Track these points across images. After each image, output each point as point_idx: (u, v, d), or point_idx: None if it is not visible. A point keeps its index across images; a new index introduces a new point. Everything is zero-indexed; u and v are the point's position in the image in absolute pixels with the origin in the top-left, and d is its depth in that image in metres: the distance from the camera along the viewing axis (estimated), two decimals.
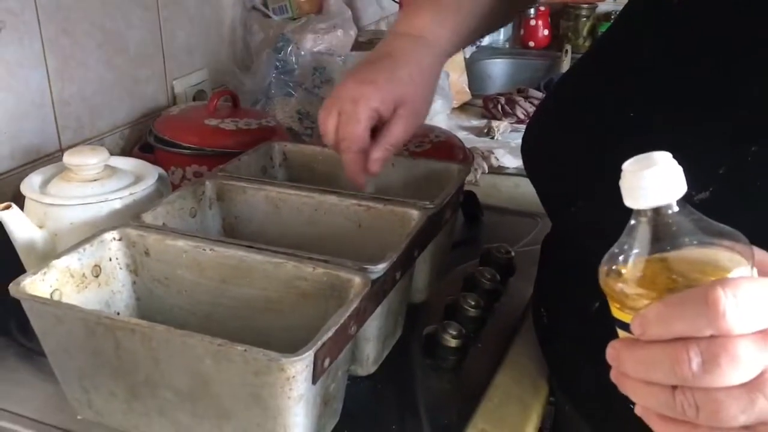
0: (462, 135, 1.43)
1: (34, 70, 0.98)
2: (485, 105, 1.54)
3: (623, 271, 0.38)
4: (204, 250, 0.65)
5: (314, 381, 0.52)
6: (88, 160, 0.78)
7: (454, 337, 0.73)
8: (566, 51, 1.85)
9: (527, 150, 0.70)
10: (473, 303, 0.78)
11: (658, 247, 0.37)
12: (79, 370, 0.59)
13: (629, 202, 0.37)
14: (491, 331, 0.80)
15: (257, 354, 0.50)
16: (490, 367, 0.75)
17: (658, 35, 0.60)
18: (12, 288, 0.58)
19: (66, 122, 1.04)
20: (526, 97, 1.52)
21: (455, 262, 0.92)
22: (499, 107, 1.50)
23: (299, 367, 0.50)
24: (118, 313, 0.68)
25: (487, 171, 1.21)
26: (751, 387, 0.35)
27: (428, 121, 1.21)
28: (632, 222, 0.38)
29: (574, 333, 0.62)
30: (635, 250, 0.37)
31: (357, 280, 0.59)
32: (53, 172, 0.82)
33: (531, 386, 0.73)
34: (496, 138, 1.41)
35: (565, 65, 1.82)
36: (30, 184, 0.79)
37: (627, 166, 0.37)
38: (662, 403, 0.37)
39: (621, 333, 0.39)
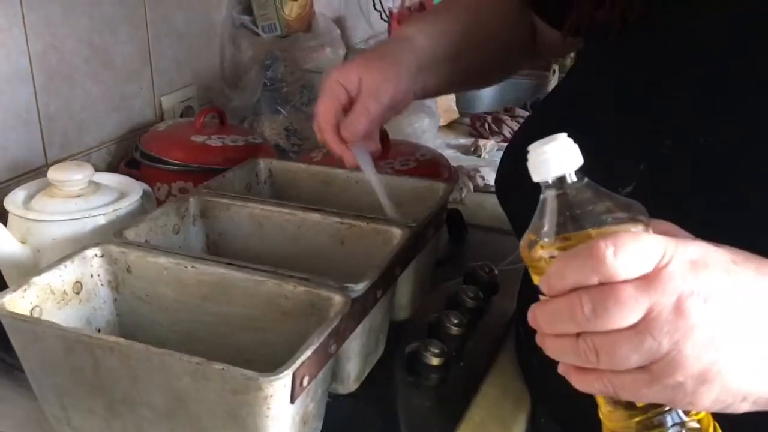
0: (449, 153, 1.44)
1: (21, 85, 0.98)
2: (472, 123, 1.55)
3: (539, 241, 0.43)
4: (185, 267, 0.65)
5: (292, 400, 0.52)
6: (72, 176, 0.78)
7: (436, 356, 0.74)
8: (553, 71, 1.85)
9: (501, 177, 0.72)
10: (456, 321, 0.79)
11: (565, 216, 0.42)
12: (58, 387, 0.59)
13: (535, 177, 0.43)
14: (474, 349, 0.80)
15: (235, 373, 0.50)
16: (472, 386, 0.75)
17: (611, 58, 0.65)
18: None
19: (52, 137, 1.04)
20: (513, 116, 1.53)
21: (439, 279, 0.92)
22: (486, 126, 1.51)
23: (277, 386, 0.50)
24: (99, 330, 0.68)
25: (472, 190, 1.21)
26: (638, 328, 0.39)
27: (415, 140, 1.22)
28: (542, 197, 0.43)
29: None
30: (547, 221, 0.42)
31: (337, 298, 0.59)
32: (38, 188, 0.82)
33: (513, 404, 0.73)
34: (483, 156, 1.42)
35: (552, 85, 1.83)
36: (13, 200, 0.79)
37: (530, 147, 0.43)
38: (571, 353, 0.41)
39: (541, 299, 0.43)
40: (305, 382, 0.53)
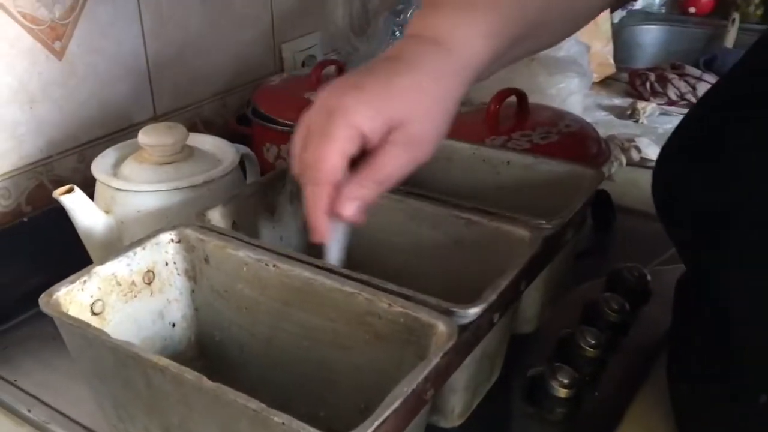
0: (601, 115, 1.25)
1: (127, 30, 0.90)
2: (631, 81, 1.35)
3: None
4: (267, 265, 0.55)
5: None
6: (163, 140, 0.70)
7: (564, 386, 0.60)
8: (733, 20, 1.59)
9: (661, 177, 0.56)
10: (593, 342, 0.64)
11: None
12: (113, 397, 0.51)
13: None
14: (613, 376, 0.66)
15: (298, 429, 0.39)
16: (608, 423, 0.61)
17: None
18: (43, 300, 0.50)
19: (162, 87, 0.97)
20: (681, 75, 1.31)
21: (577, 278, 0.77)
22: (648, 85, 1.31)
23: None
24: (174, 325, 0.60)
25: (625, 164, 1.03)
26: None
27: (560, 103, 1.05)
28: None
29: (726, 422, 0.48)
30: None
31: (440, 327, 0.47)
32: (130, 150, 0.75)
33: None
34: (640, 122, 1.22)
35: (730, 38, 1.57)
36: (101, 163, 0.72)
37: None
38: None
39: None
40: None
